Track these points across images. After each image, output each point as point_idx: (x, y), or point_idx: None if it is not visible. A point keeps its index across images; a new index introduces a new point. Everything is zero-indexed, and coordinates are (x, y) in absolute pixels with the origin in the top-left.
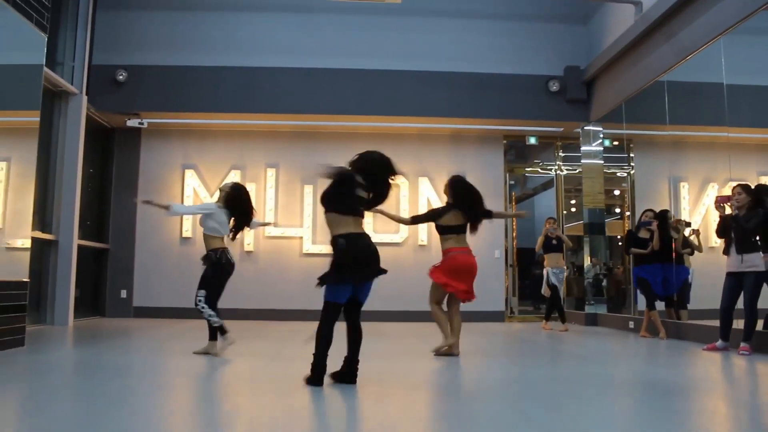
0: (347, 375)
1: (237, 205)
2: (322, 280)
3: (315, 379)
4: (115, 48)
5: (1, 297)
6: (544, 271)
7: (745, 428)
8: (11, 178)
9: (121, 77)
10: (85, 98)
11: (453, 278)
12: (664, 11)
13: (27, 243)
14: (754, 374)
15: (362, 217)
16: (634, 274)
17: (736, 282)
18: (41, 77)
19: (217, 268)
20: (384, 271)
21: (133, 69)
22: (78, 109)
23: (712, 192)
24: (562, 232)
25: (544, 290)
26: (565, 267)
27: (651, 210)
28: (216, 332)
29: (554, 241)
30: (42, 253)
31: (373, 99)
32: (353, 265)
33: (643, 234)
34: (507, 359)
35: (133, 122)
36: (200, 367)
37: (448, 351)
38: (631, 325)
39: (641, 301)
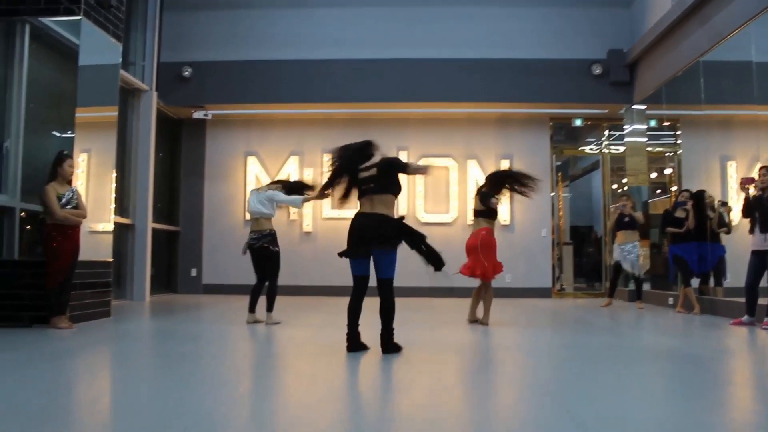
0: (382, 344)
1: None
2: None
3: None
4: (181, 46)
5: (90, 275)
6: (615, 247)
7: (753, 393)
8: (92, 168)
9: (186, 73)
10: (155, 94)
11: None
12: None
13: (108, 227)
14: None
15: (377, 195)
16: (670, 252)
17: (760, 260)
18: (118, 77)
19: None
20: (384, 245)
21: (197, 65)
22: (149, 105)
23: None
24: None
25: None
26: (638, 243)
27: (687, 190)
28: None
29: (626, 219)
30: (121, 236)
31: (422, 86)
32: (349, 242)
33: (680, 213)
34: (532, 328)
35: (198, 114)
36: (258, 333)
37: (476, 319)
38: (671, 301)
39: (680, 280)
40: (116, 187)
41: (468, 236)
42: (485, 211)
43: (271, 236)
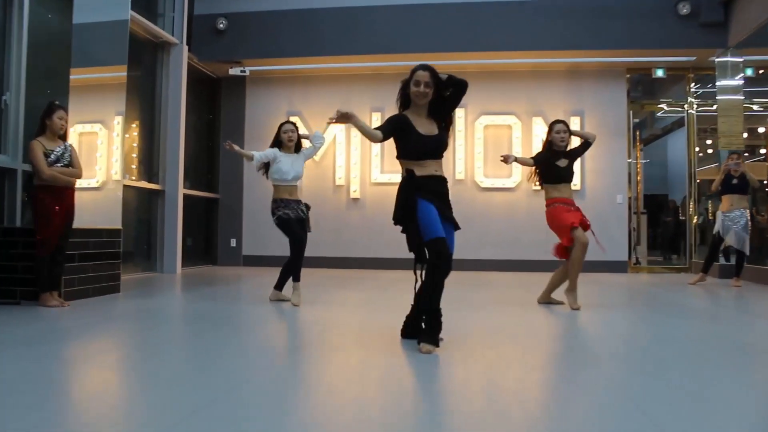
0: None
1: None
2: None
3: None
4: None
5: (94, 245)
6: (718, 214)
7: None
8: (111, 132)
9: (221, 26)
10: (185, 48)
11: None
12: None
13: (119, 198)
14: None
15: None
16: None
17: None
18: (127, 31)
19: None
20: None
21: (233, 17)
22: (179, 59)
23: None
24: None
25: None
26: (747, 209)
27: None
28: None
29: (735, 180)
30: (150, 203)
31: (481, 33)
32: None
33: None
34: (615, 313)
35: (235, 71)
36: (294, 317)
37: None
38: None
39: None
40: (141, 149)
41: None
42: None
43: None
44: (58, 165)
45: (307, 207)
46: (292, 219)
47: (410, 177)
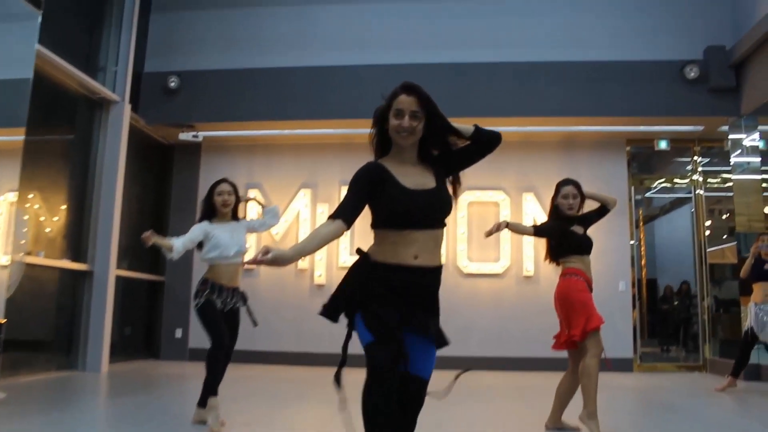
0: None
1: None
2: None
3: None
4: (167, 52)
5: None
6: (750, 306)
7: None
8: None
9: (173, 84)
10: (127, 107)
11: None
12: None
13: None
14: None
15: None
16: None
17: None
18: (32, 66)
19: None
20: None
21: (186, 75)
22: (119, 119)
23: None
24: None
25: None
26: None
27: None
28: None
29: (767, 266)
30: (75, 286)
31: (466, 98)
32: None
33: None
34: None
35: (186, 135)
36: None
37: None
38: None
39: None
40: (67, 222)
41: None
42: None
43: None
44: None
45: (245, 298)
46: (219, 311)
47: (365, 264)
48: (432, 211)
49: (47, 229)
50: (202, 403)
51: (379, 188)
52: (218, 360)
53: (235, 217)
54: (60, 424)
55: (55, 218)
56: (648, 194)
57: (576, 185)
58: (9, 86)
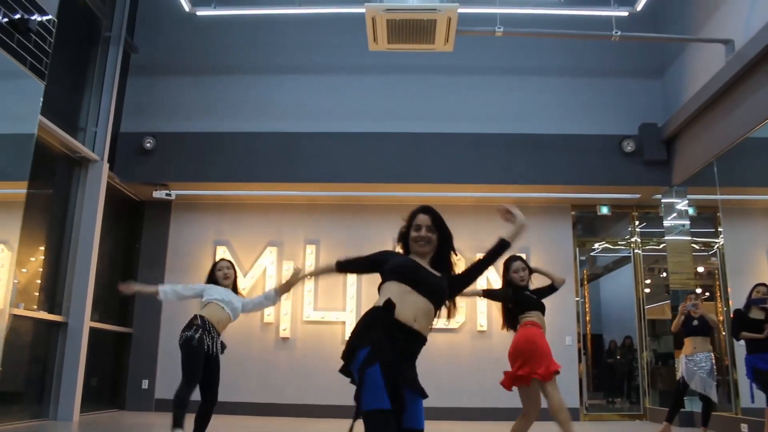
0: None
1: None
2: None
3: None
4: (143, 114)
5: None
6: (681, 358)
7: None
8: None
9: (148, 145)
10: (106, 166)
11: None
12: (763, 47)
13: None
14: None
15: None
16: (748, 365)
17: None
18: (35, 130)
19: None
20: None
21: (161, 136)
22: (98, 177)
23: None
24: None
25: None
26: (711, 352)
27: (764, 284)
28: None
29: (695, 322)
30: (49, 336)
31: (424, 166)
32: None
33: (756, 314)
34: None
35: (159, 194)
36: None
37: None
38: (745, 429)
39: (759, 398)
40: (44, 275)
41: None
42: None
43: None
44: None
45: (224, 347)
46: (204, 352)
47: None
48: (433, 285)
49: (18, 281)
50: None
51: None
52: (187, 396)
53: (234, 289)
54: None
55: (30, 270)
56: (593, 253)
57: (522, 261)
58: (14, 141)
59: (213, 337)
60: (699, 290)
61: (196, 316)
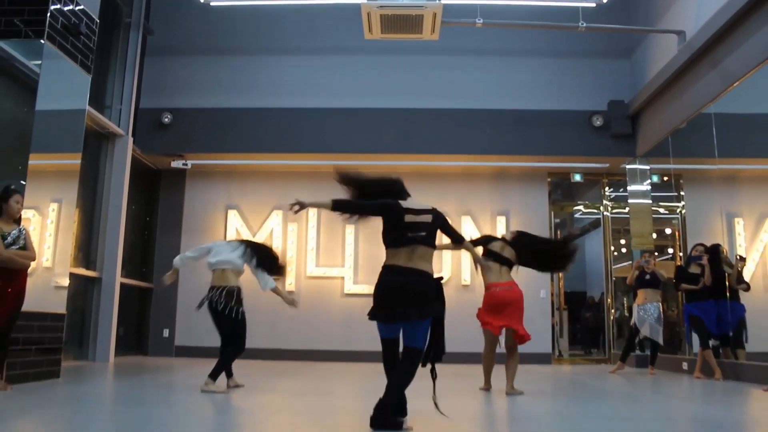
0: (376, 416)
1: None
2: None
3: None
4: (161, 92)
5: (38, 328)
6: (634, 307)
7: None
8: (62, 219)
9: (166, 120)
10: (130, 140)
11: (491, 315)
12: (708, 38)
13: (67, 282)
14: None
15: (419, 245)
16: (685, 312)
17: None
18: (84, 121)
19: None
20: (426, 316)
21: (177, 112)
22: (124, 150)
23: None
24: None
25: (635, 325)
26: (659, 302)
27: (702, 244)
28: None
29: (647, 276)
30: (86, 290)
31: (415, 138)
32: (375, 300)
33: (694, 269)
34: (550, 397)
35: (177, 164)
36: (229, 400)
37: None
38: (685, 366)
39: (696, 342)
40: (81, 236)
41: (483, 290)
42: (508, 260)
43: (237, 294)
44: (14, 247)
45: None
46: (214, 308)
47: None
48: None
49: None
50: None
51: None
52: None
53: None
54: (104, 390)
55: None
56: (577, 215)
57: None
58: (67, 122)
59: (219, 295)
60: (656, 253)
61: (239, 289)
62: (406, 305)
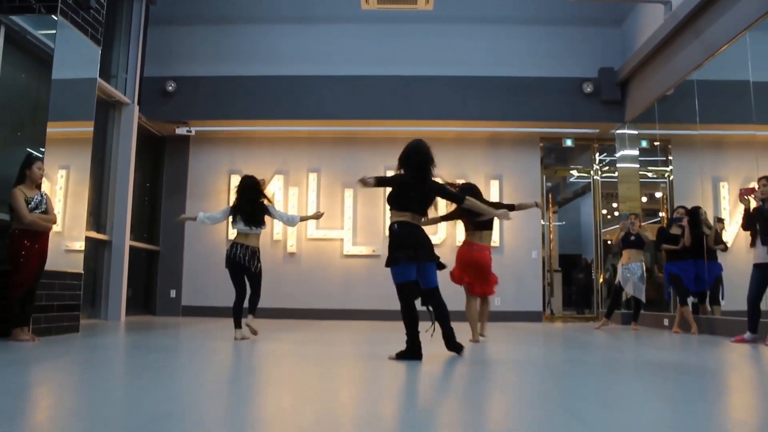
0: (451, 346)
1: (240, 196)
2: (386, 263)
3: (412, 353)
4: (165, 61)
5: (59, 286)
6: (618, 267)
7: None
8: (70, 185)
9: (170, 88)
10: (136, 108)
11: (463, 272)
12: (691, 9)
13: (82, 245)
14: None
15: (419, 214)
16: (666, 271)
17: (763, 274)
18: (96, 84)
19: (227, 261)
20: (436, 259)
21: (181, 80)
22: (130, 118)
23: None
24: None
25: (619, 284)
26: (643, 262)
27: (683, 207)
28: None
29: (632, 237)
30: (97, 252)
31: (411, 104)
32: (402, 247)
33: (675, 230)
34: (527, 345)
35: (181, 130)
36: (240, 349)
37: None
38: (666, 322)
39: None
40: (91, 201)
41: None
42: (489, 222)
43: (258, 254)
44: (37, 211)
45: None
46: (241, 264)
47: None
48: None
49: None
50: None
51: None
52: (235, 302)
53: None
54: (121, 341)
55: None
56: (572, 179)
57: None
58: (78, 84)
59: (244, 254)
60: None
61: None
62: (426, 249)
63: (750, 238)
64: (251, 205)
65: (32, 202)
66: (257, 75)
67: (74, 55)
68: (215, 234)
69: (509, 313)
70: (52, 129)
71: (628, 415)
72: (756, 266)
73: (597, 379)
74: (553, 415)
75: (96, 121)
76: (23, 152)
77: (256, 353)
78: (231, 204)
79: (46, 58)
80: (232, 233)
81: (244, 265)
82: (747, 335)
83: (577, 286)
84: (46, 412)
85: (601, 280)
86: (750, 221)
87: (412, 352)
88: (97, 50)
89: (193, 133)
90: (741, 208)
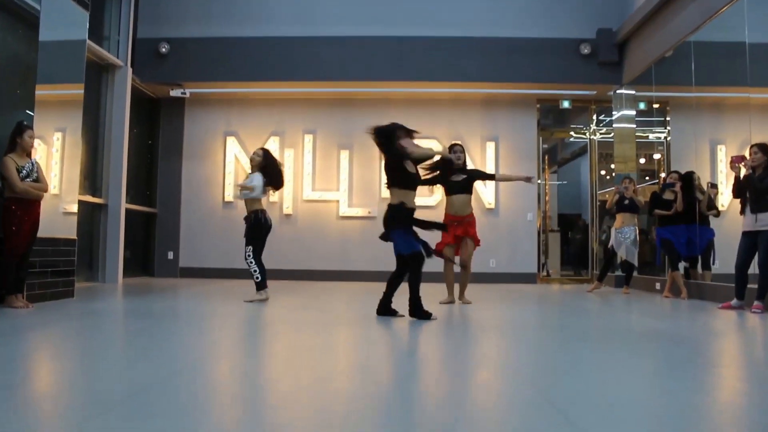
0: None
1: (269, 169)
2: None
3: (424, 314)
4: (158, 22)
5: (52, 252)
6: (612, 230)
7: (741, 374)
8: (66, 147)
9: (164, 50)
10: (129, 70)
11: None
12: None
13: (76, 207)
14: (755, 329)
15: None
16: (658, 235)
17: (751, 241)
18: (84, 49)
19: (258, 227)
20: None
21: (175, 41)
22: (123, 81)
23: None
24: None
25: (612, 248)
26: (636, 226)
27: (676, 172)
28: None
29: (626, 201)
30: (93, 216)
31: (407, 65)
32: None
33: (668, 195)
34: (515, 309)
35: (176, 92)
36: (241, 312)
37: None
38: (657, 286)
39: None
40: (86, 164)
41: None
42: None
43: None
44: (29, 180)
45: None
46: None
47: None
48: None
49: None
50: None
51: None
52: None
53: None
54: (116, 306)
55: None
56: (570, 140)
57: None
58: (66, 46)
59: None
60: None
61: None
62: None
63: (740, 205)
64: (281, 175)
65: (24, 171)
66: (251, 36)
67: (61, 15)
68: (211, 196)
69: (504, 274)
70: (41, 91)
71: (584, 384)
72: (744, 234)
73: (580, 348)
74: (524, 393)
75: (89, 84)
76: (15, 117)
77: (252, 318)
78: (254, 173)
79: (34, 21)
80: (229, 196)
81: (270, 227)
82: (734, 302)
83: (575, 246)
84: (34, 384)
85: (595, 240)
86: (740, 189)
87: (426, 312)
88: (85, 14)
89: (188, 95)
90: (733, 175)
